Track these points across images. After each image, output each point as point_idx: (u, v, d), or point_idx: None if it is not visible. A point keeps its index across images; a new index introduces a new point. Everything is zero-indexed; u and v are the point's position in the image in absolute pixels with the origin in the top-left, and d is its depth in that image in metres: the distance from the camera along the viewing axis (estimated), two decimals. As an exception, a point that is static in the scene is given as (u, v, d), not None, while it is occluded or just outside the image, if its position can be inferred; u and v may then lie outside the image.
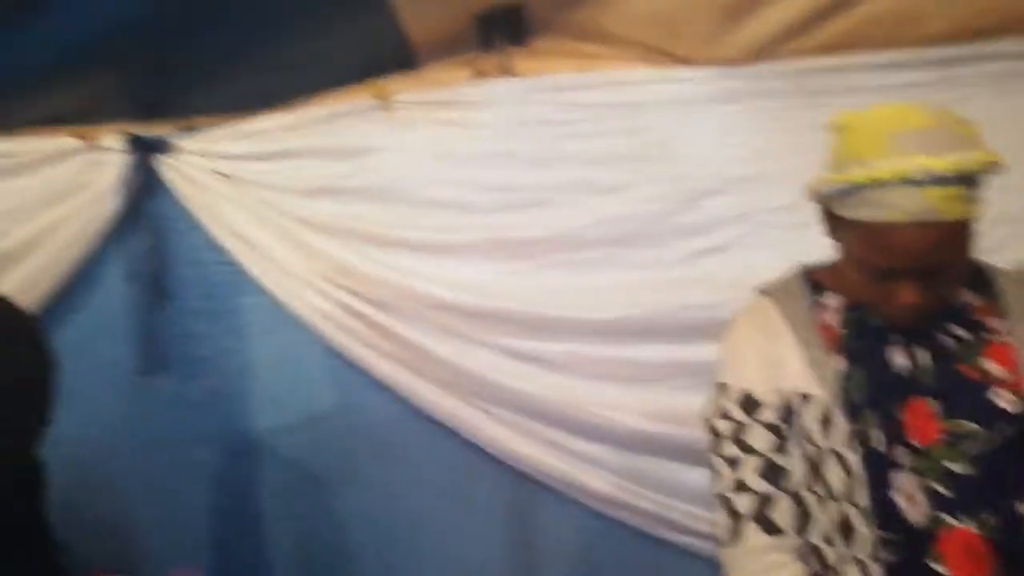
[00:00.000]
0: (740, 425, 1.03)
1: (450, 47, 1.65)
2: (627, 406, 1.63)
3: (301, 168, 1.75)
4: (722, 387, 1.07)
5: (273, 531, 1.97)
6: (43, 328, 1.29)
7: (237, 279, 1.88)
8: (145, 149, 1.81)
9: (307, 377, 1.89)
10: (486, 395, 1.70)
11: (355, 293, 1.72)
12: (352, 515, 1.90)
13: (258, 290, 1.86)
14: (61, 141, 1.86)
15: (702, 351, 1.42)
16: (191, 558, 1.98)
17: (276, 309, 1.85)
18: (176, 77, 1.73)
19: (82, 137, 1.84)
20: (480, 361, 1.67)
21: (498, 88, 1.67)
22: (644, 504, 1.65)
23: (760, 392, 1.03)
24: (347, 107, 1.72)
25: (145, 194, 1.85)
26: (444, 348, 1.69)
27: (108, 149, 1.84)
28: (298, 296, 1.77)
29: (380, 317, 1.71)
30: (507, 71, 1.65)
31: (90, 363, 1.93)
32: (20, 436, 1.19)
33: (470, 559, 1.83)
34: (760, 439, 1.02)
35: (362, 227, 1.71)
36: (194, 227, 1.87)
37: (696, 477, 1.60)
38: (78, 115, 1.81)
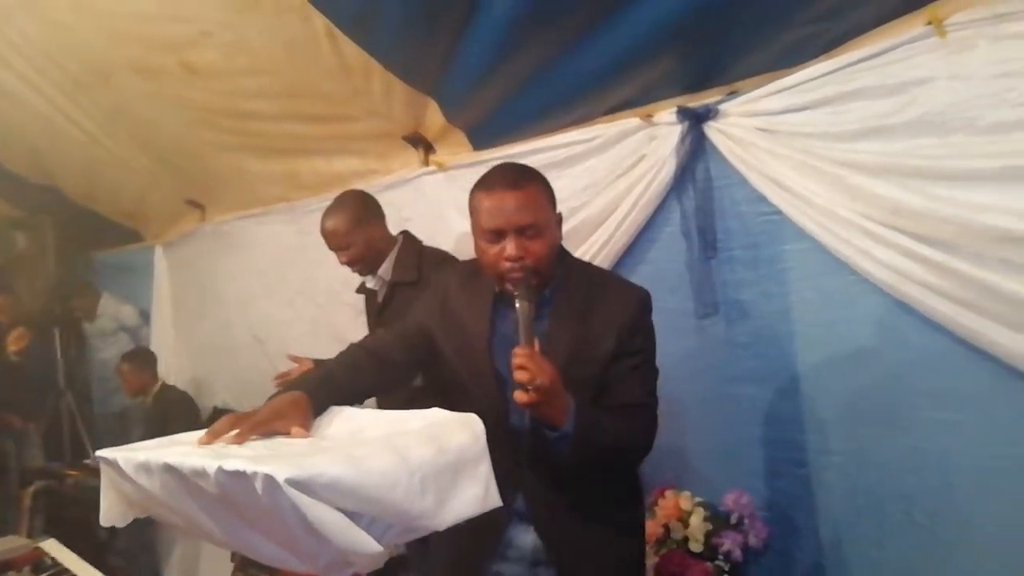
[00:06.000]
0: None
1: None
2: None
3: (843, 112, 1.78)
4: None
5: (818, 464, 2.06)
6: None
7: (779, 228, 2.02)
8: (694, 118, 2.06)
9: (850, 318, 1.93)
10: (1076, 336, 1.51)
11: (907, 232, 1.69)
12: (903, 455, 1.88)
13: (799, 237, 1.96)
14: (624, 122, 2.25)
15: None
16: (741, 483, 2.21)
17: (817, 254, 1.93)
18: (721, 48, 1.94)
19: (642, 116, 2.19)
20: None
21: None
22: None
23: None
24: (891, 42, 1.68)
25: (694, 157, 2.11)
26: (1015, 284, 1.54)
27: (662, 123, 2.15)
28: (844, 239, 1.81)
29: (936, 255, 1.65)
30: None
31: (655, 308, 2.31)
32: None
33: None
34: None
35: (914, 163, 1.66)
36: (738, 183, 2.06)
37: None
38: (640, 98, 2.16)
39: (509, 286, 1.45)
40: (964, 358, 1.72)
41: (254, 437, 1.25)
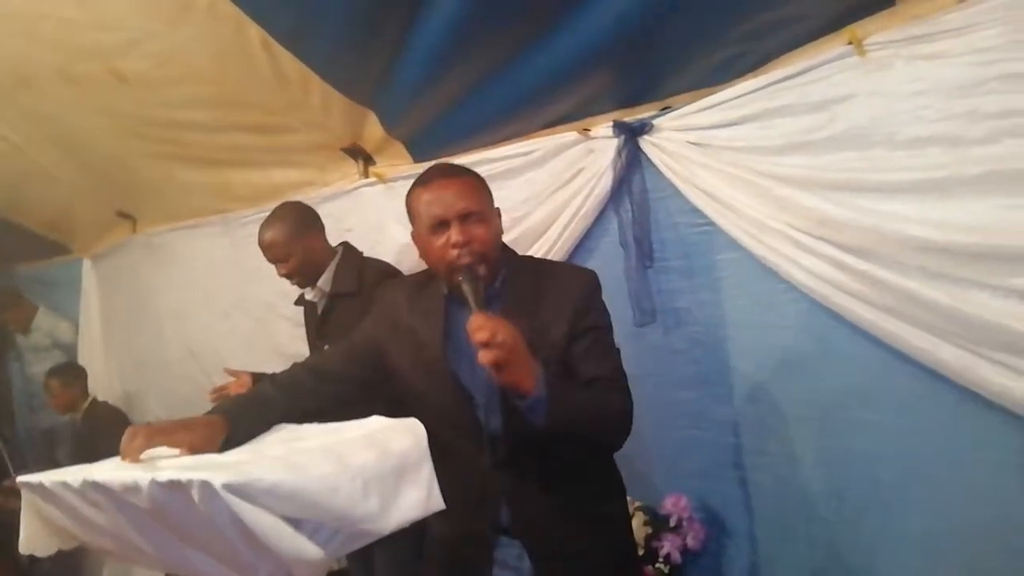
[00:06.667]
0: None
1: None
2: None
3: (770, 127, 1.85)
4: None
5: (752, 465, 2.14)
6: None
7: (712, 238, 2.09)
8: (629, 132, 2.12)
9: (780, 324, 2.00)
10: (986, 340, 1.59)
11: (832, 242, 1.77)
12: (832, 455, 1.96)
13: (732, 246, 2.03)
14: (562, 136, 2.29)
15: None
16: (679, 486, 2.27)
17: (749, 263, 2.00)
18: (654, 65, 1.99)
19: (579, 130, 2.23)
20: (978, 304, 1.57)
21: (984, 8, 1.55)
22: None
23: None
24: (814, 61, 1.76)
25: (630, 170, 2.16)
26: (934, 292, 1.63)
27: (599, 137, 2.19)
28: (774, 249, 1.88)
29: (860, 264, 1.73)
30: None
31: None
32: None
33: (970, 512, 1.73)
34: None
35: (836, 176, 1.74)
36: (673, 195, 2.13)
37: None
38: (577, 112, 2.20)
39: (459, 277, 1.41)
40: (887, 362, 1.80)
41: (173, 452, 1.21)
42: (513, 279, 1.54)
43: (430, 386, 1.53)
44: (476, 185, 1.51)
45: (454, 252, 1.43)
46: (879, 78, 1.67)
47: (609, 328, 1.56)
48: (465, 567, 1.57)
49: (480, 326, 1.25)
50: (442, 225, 1.44)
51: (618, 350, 1.57)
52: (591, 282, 1.54)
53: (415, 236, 1.53)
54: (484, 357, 1.24)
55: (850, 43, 1.69)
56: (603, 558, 1.55)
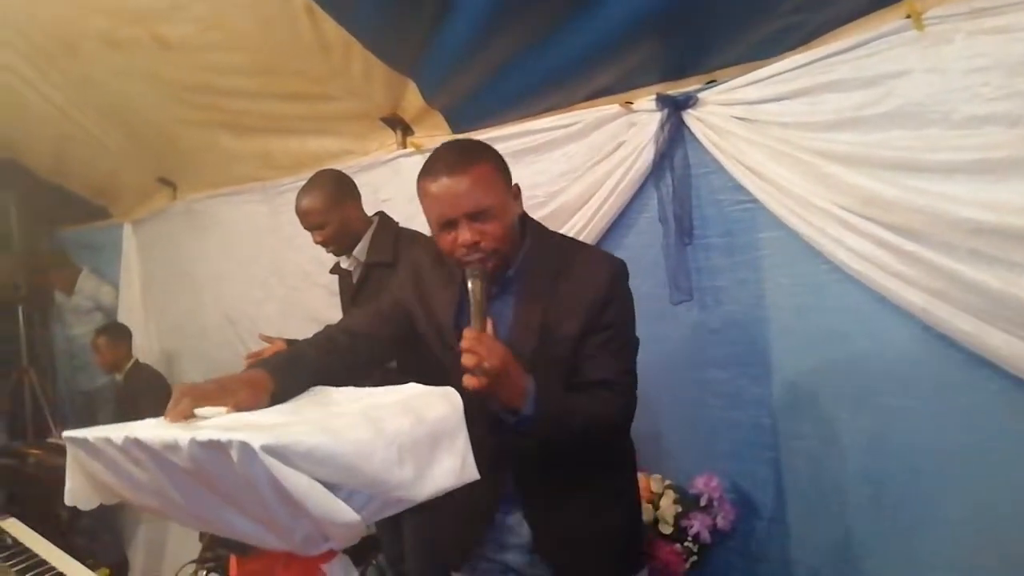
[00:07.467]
0: None
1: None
2: None
3: (820, 103, 1.80)
4: None
5: (787, 448, 2.11)
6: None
7: (755, 215, 2.04)
8: (673, 106, 2.07)
9: (822, 305, 1.96)
10: (1039, 326, 1.55)
11: (880, 222, 1.72)
12: (869, 440, 1.92)
13: (775, 225, 1.98)
14: (604, 108, 2.25)
15: None
16: (711, 466, 2.24)
17: (792, 242, 1.96)
18: (700, 37, 1.94)
19: (621, 103, 2.19)
20: (1032, 289, 1.53)
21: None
22: None
23: None
24: (869, 35, 1.70)
25: (673, 145, 2.11)
26: (984, 275, 1.58)
27: (642, 110, 2.15)
28: (819, 228, 1.84)
29: (908, 245, 1.68)
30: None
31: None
32: None
33: (1011, 502, 1.69)
34: None
35: (888, 154, 1.69)
36: (715, 171, 2.08)
37: None
38: (620, 84, 2.16)
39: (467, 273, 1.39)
40: (930, 346, 1.76)
41: (219, 411, 1.22)
42: (532, 264, 1.48)
43: (442, 352, 1.52)
44: (487, 174, 1.40)
45: (463, 251, 1.38)
46: (937, 53, 1.61)
47: (628, 322, 1.50)
48: (466, 531, 1.58)
49: (470, 348, 1.25)
50: (450, 224, 1.38)
51: (636, 341, 1.52)
52: (615, 273, 1.47)
53: (427, 219, 1.46)
54: (468, 382, 1.25)
55: (908, 16, 1.63)
56: (605, 530, 1.54)
